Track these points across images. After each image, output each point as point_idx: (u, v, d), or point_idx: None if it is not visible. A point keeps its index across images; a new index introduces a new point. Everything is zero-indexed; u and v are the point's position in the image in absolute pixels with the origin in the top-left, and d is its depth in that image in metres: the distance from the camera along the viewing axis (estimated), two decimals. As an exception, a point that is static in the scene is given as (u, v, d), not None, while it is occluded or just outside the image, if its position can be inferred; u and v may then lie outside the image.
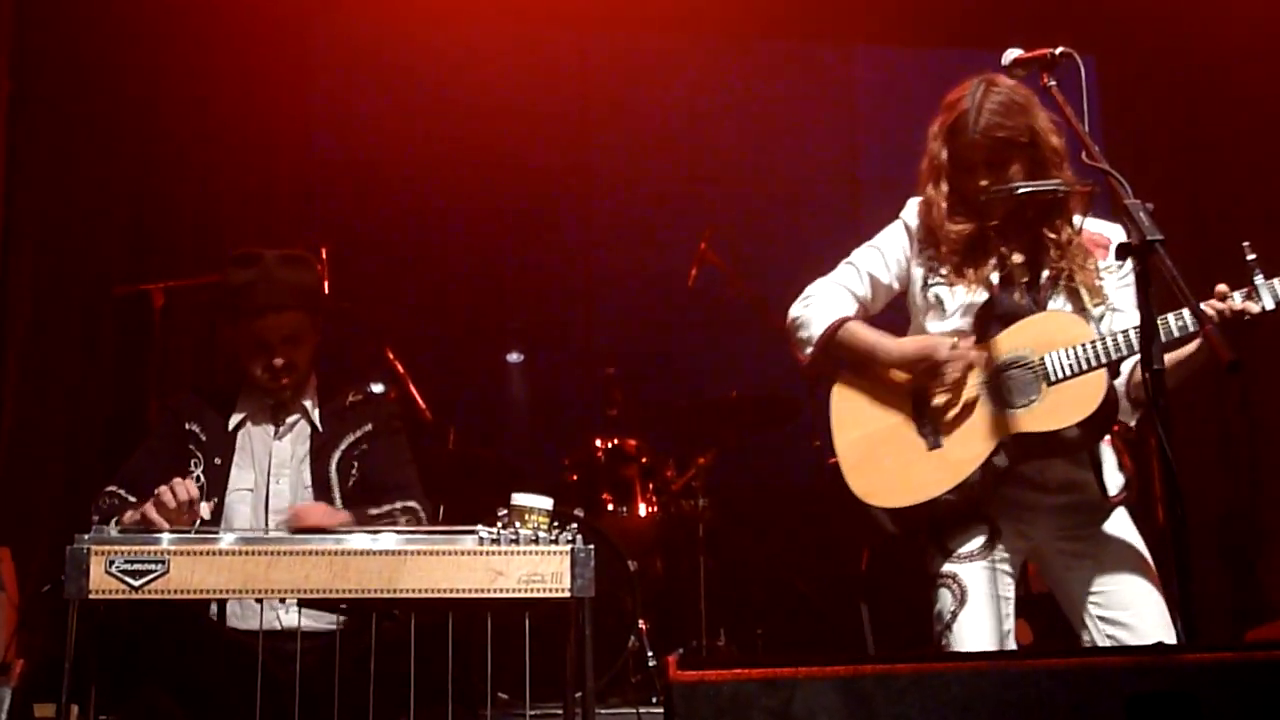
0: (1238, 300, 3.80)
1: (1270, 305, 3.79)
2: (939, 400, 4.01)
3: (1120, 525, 4.03)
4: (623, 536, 6.55)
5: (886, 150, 8.90)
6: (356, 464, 4.36)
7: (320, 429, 4.41)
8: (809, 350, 4.14)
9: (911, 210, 4.25)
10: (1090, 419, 3.84)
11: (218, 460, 4.27)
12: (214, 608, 3.90)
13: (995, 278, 4.07)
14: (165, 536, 3.42)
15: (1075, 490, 4.03)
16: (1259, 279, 3.82)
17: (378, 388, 4.67)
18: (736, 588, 7.27)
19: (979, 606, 3.92)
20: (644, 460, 7.11)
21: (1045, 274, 4.07)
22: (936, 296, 4.10)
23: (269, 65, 7.39)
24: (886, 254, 4.24)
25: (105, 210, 6.98)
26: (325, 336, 4.55)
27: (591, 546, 3.46)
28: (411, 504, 4.23)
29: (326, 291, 5.08)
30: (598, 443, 7.11)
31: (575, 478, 7.10)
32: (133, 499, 4.03)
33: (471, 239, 8.38)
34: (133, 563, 3.30)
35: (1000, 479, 3.95)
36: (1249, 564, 7.53)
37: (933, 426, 4.01)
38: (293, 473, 4.33)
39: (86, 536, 3.34)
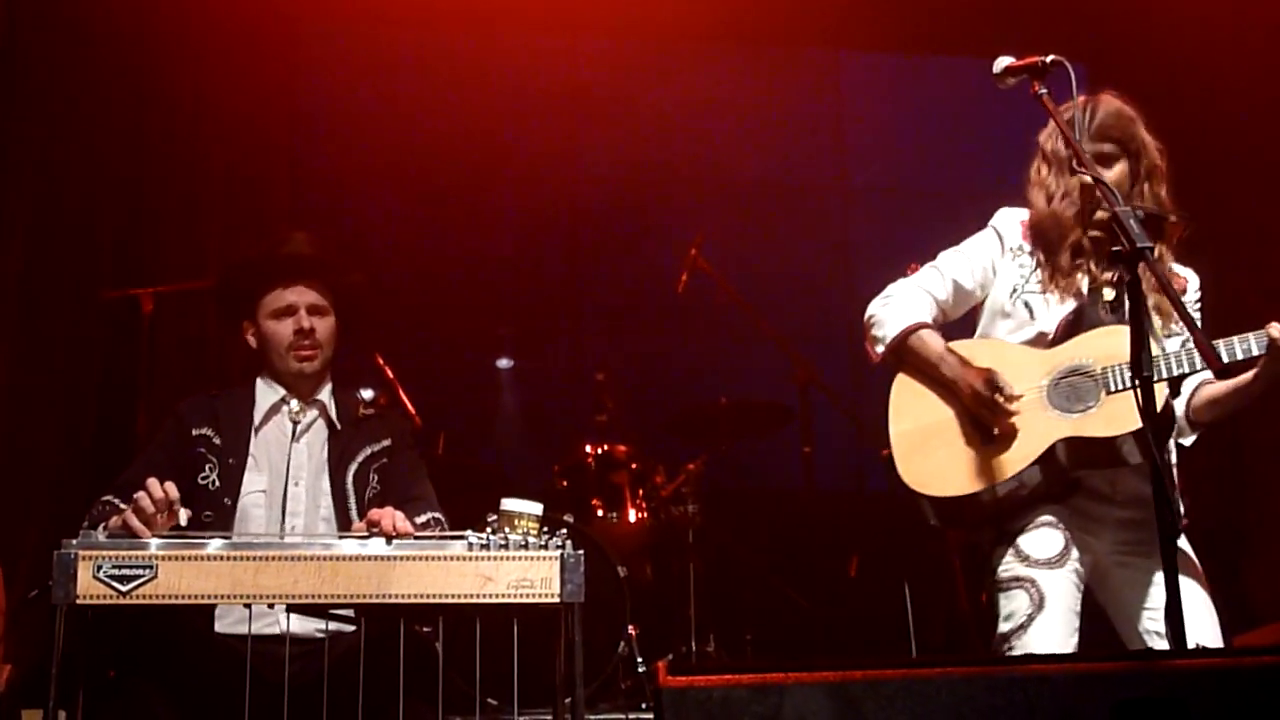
0: None
1: None
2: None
3: (1184, 547, 4.03)
4: (612, 542, 6.55)
5: (877, 156, 8.93)
6: (376, 476, 4.36)
7: (339, 428, 4.41)
8: (880, 349, 4.26)
9: (1004, 218, 4.35)
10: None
11: (232, 461, 4.26)
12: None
13: (1085, 288, 4.15)
14: (154, 541, 3.41)
15: (1143, 506, 3.96)
16: None
17: (367, 393, 4.67)
18: (726, 593, 7.26)
19: (1056, 616, 3.95)
20: (634, 466, 7.11)
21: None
22: (1027, 304, 4.19)
23: (259, 70, 7.38)
24: (973, 260, 4.33)
25: (94, 214, 6.97)
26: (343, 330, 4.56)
27: (581, 552, 3.46)
28: (439, 515, 4.24)
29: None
30: (588, 448, 7.10)
31: (565, 483, 7.10)
32: (124, 507, 4.02)
33: (461, 245, 8.37)
34: (120, 567, 3.29)
35: (1059, 483, 4.01)
36: (1235, 571, 7.54)
37: (988, 423, 4.06)
38: (310, 477, 4.31)
39: (74, 542, 3.33)
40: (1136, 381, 3.36)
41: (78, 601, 3.27)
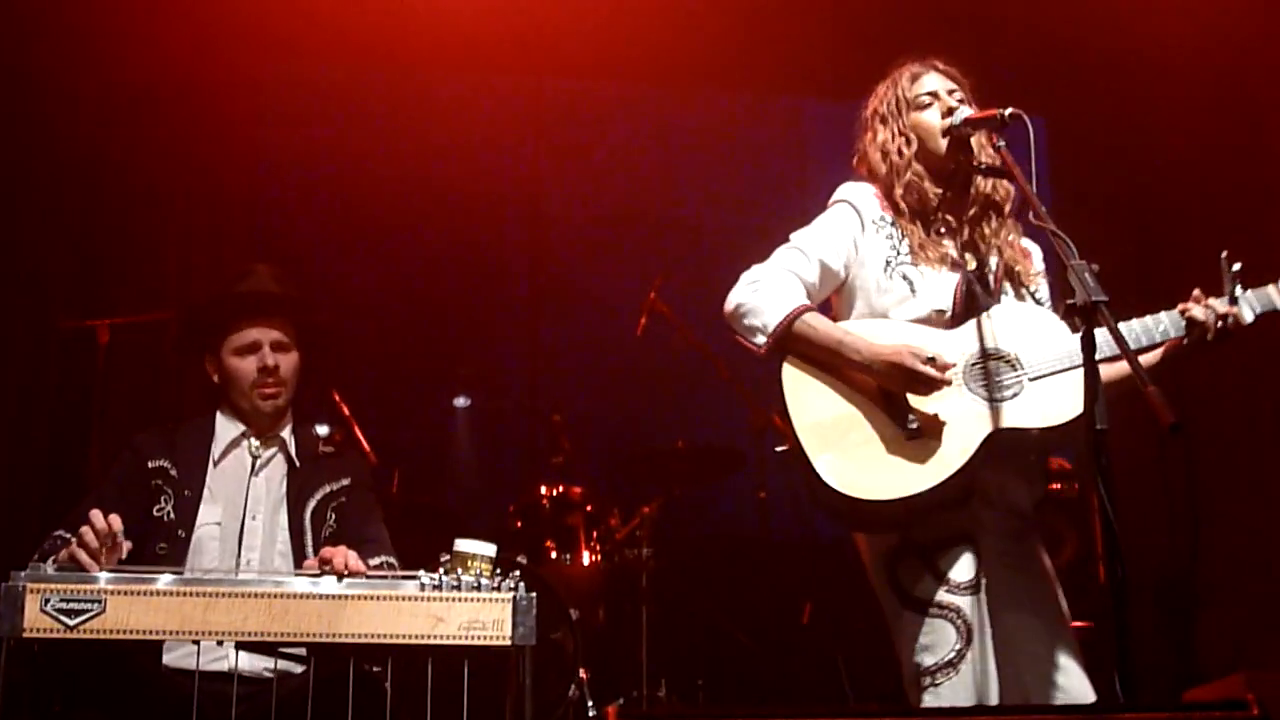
0: (1220, 306, 3.87)
1: (1249, 318, 3.89)
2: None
3: (1045, 557, 4.00)
4: (566, 584, 6.53)
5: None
6: (334, 515, 4.34)
7: (298, 465, 4.39)
8: (761, 339, 3.91)
9: (855, 192, 4.18)
10: (1079, 419, 3.70)
11: (187, 493, 4.23)
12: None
13: (954, 253, 4.04)
14: (103, 575, 3.38)
15: (1021, 518, 3.97)
16: (1240, 291, 3.90)
17: (322, 429, 4.64)
18: (678, 638, 7.24)
19: (982, 647, 3.77)
20: (589, 508, 7.09)
21: (993, 262, 4.09)
22: (905, 277, 4.00)
23: (220, 101, 7.36)
24: (835, 239, 4.10)
25: (51, 244, 6.92)
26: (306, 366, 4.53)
27: (534, 594, 3.43)
28: (392, 559, 4.21)
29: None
30: (543, 489, 7.09)
31: (519, 524, 7.07)
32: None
33: (420, 282, 8.36)
34: (68, 601, 3.26)
35: (970, 481, 3.82)
36: (1187, 625, 7.57)
37: (906, 413, 3.82)
38: (268, 512, 4.29)
39: (22, 574, 3.29)
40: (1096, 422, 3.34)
41: (24, 635, 3.24)
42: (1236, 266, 3.93)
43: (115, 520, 3.68)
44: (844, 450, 3.82)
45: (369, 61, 7.92)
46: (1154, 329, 3.89)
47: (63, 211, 6.99)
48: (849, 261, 4.09)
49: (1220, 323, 3.86)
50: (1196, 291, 3.93)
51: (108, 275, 7.08)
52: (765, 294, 3.95)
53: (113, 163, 7.16)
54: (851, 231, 4.10)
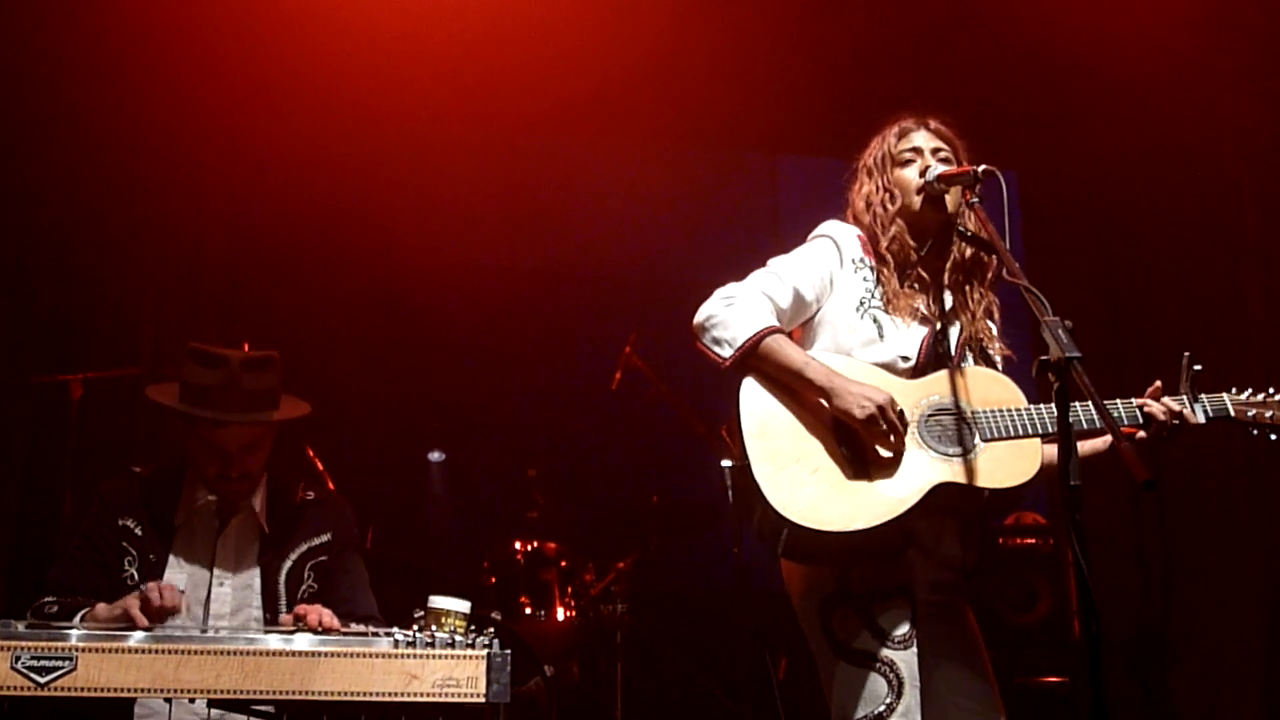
0: (1174, 404, 4.00)
1: (1201, 420, 4.00)
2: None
3: (971, 615, 4.07)
4: (540, 641, 6.51)
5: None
6: (312, 574, 4.28)
7: (267, 530, 4.33)
8: (727, 352, 3.94)
9: (838, 230, 4.22)
10: (1025, 486, 3.85)
11: (152, 557, 4.17)
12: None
13: (924, 309, 4.09)
14: (74, 632, 3.35)
15: (953, 567, 4.03)
16: (1195, 395, 4.04)
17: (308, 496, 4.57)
18: (653, 693, 7.22)
19: (911, 700, 3.79)
20: (563, 564, 7.08)
21: (959, 327, 4.13)
22: (876, 321, 4.05)
23: (194, 154, 7.36)
24: (813, 270, 4.14)
25: (25, 298, 6.89)
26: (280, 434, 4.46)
27: (508, 651, 3.41)
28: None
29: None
30: (517, 545, 7.08)
31: (494, 580, 7.06)
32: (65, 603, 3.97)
33: (395, 336, 8.35)
34: (40, 659, 3.23)
35: (907, 531, 3.86)
36: (1161, 680, 7.57)
37: (857, 454, 3.86)
38: (240, 577, 4.23)
39: (-8, 631, 3.27)
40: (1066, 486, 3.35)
41: (-6, 693, 3.21)
42: (1197, 368, 4.05)
43: (180, 597, 3.80)
44: (792, 475, 3.83)
45: (344, 117, 7.91)
46: (1082, 417, 3.93)
47: (36, 266, 6.96)
48: (821, 294, 4.13)
49: (1173, 421, 3.99)
50: (1157, 384, 4.06)
51: (81, 330, 7.05)
52: (737, 310, 4.01)
53: (87, 216, 7.13)
54: (829, 265, 4.14)
